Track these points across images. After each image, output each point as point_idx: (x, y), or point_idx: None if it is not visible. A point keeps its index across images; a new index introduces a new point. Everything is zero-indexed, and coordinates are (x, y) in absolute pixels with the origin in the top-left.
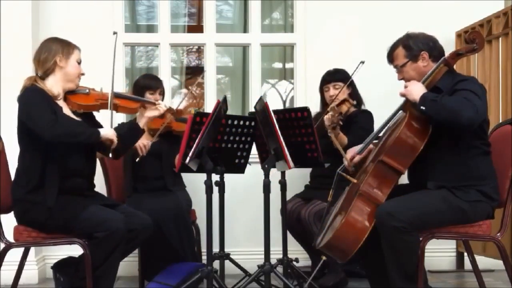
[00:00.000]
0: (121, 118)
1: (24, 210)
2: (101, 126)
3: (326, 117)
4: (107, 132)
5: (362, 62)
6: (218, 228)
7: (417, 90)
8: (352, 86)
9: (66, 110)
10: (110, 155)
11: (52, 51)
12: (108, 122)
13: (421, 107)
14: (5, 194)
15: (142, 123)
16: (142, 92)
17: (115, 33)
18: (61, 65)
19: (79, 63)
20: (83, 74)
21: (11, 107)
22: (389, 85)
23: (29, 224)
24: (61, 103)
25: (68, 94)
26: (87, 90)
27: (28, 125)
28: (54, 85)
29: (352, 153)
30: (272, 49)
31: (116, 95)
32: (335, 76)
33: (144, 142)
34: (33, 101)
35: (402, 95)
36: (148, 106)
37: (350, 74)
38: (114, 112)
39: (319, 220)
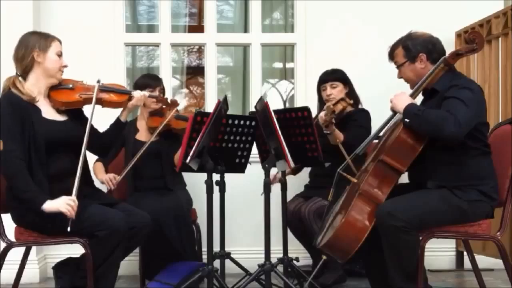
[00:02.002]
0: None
1: (21, 215)
2: (85, 122)
3: (320, 115)
4: (53, 206)
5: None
6: (219, 227)
7: (401, 101)
8: (349, 85)
9: (48, 109)
10: (69, 228)
11: (29, 47)
12: (106, 117)
13: (406, 120)
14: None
15: (123, 116)
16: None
17: (98, 81)
18: (39, 61)
19: (59, 55)
20: (65, 66)
21: None
22: (389, 84)
23: (28, 227)
24: (42, 102)
25: (51, 90)
26: (71, 85)
27: None
28: (34, 83)
29: None
30: (273, 49)
31: (102, 89)
32: (333, 76)
33: (110, 176)
34: (2, 121)
35: (391, 108)
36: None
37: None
38: (100, 107)
39: (319, 217)
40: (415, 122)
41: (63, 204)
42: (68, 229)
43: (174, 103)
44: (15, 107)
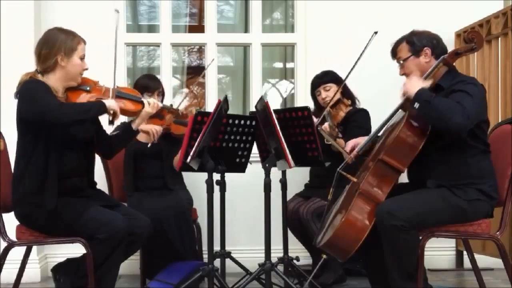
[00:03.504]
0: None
1: (25, 214)
2: (99, 124)
3: (324, 127)
4: (111, 103)
5: (376, 33)
6: (219, 227)
7: (414, 85)
8: (343, 85)
9: None
10: (113, 124)
11: (54, 48)
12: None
13: (415, 105)
14: (7, 193)
15: (135, 124)
16: (140, 93)
17: (116, 10)
18: (63, 65)
19: (82, 59)
20: (86, 69)
21: (13, 106)
22: (388, 84)
23: (30, 227)
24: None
25: (68, 91)
26: (88, 87)
27: (34, 113)
28: (54, 83)
29: (352, 144)
30: (273, 49)
31: (118, 95)
32: (324, 78)
33: (157, 128)
34: (37, 89)
35: (404, 93)
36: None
37: (364, 47)
38: None
39: (318, 217)
40: (423, 108)
41: (117, 106)
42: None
43: (185, 116)
44: (45, 86)
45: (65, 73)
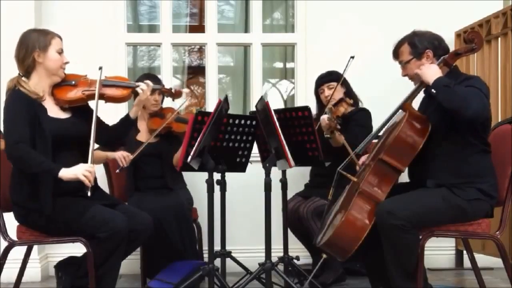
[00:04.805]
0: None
1: (24, 215)
2: (90, 116)
3: (323, 119)
4: (70, 172)
5: (352, 57)
6: (220, 226)
7: (432, 72)
8: (345, 85)
9: (53, 107)
10: (88, 193)
11: (29, 47)
12: (111, 113)
13: (433, 90)
14: (7, 193)
15: (132, 112)
16: None
17: (100, 68)
18: (41, 61)
19: (60, 53)
20: (67, 63)
21: None
22: (389, 84)
23: (31, 227)
24: (47, 100)
25: (54, 88)
26: (73, 82)
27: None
28: (38, 83)
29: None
30: (273, 49)
31: (104, 84)
32: (328, 77)
33: (124, 154)
34: (9, 112)
35: (416, 74)
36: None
37: (342, 71)
38: (103, 102)
39: (318, 216)
40: (443, 94)
41: (81, 171)
42: (88, 194)
43: (178, 94)
44: (23, 103)
45: (45, 69)
